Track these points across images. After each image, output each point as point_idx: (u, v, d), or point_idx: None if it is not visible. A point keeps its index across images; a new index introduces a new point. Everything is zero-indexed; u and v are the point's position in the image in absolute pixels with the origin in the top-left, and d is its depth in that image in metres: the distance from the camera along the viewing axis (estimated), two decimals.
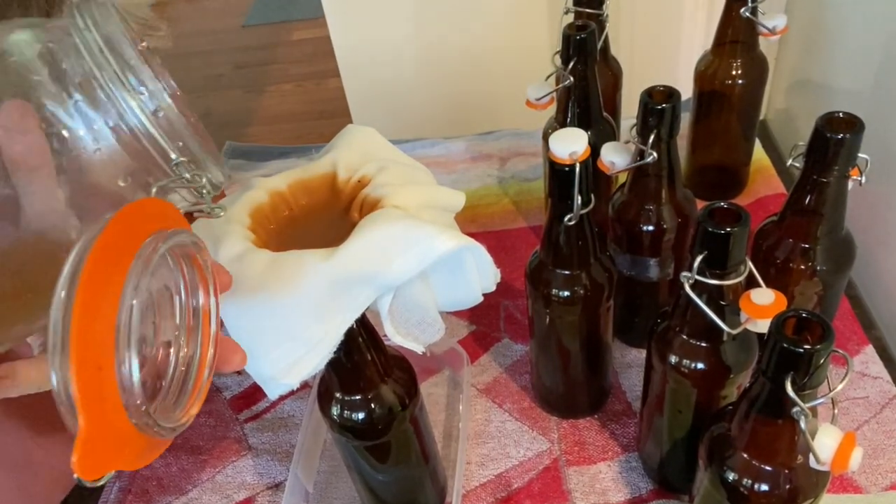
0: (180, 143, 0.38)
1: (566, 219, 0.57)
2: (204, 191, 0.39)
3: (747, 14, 0.79)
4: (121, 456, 0.32)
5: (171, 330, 0.38)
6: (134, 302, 0.32)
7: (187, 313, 0.39)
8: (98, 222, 0.32)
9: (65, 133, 0.36)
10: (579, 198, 0.56)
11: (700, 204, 0.59)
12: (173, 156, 0.38)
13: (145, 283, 0.33)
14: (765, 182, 0.97)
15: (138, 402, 0.32)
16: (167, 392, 0.38)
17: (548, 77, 0.79)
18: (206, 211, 0.40)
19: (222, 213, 0.40)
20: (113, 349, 0.31)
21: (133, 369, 0.32)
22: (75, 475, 0.30)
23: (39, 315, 0.36)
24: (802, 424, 0.44)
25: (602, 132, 0.79)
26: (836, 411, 0.46)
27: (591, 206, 0.57)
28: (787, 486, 0.49)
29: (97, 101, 0.36)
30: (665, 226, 0.68)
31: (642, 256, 0.71)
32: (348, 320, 0.47)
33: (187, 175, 0.38)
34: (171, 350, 0.38)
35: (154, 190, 0.37)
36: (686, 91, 0.74)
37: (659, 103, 0.61)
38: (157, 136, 0.37)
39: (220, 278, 0.41)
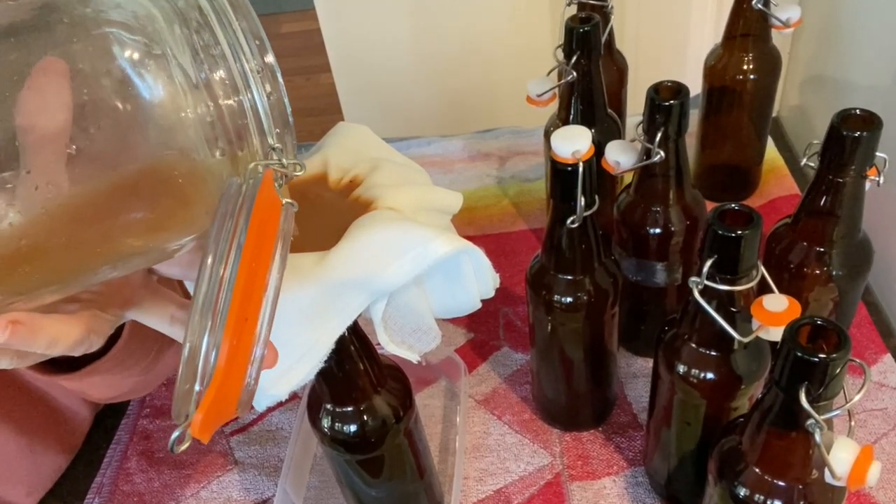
0: (277, 131, 0.38)
1: (569, 221, 0.57)
2: (284, 179, 0.39)
3: (759, 5, 0.79)
4: (222, 417, 0.33)
5: None
6: (278, 257, 0.34)
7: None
8: (239, 183, 0.34)
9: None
10: (583, 199, 0.56)
11: (710, 205, 0.59)
12: (271, 140, 0.38)
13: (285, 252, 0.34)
14: (778, 182, 0.97)
15: (263, 354, 0.34)
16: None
17: (549, 72, 0.79)
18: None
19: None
20: (253, 326, 0.32)
21: (261, 353, 0.33)
22: (188, 434, 0.31)
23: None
24: (817, 437, 0.44)
25: (606, 130, 0.80)
26: (852, 423, 0.46)
27: (595, 207, 0.57)
28: (802, 503, 0.49)
29: (221, 64, 0.36)
30: (673, 228, 0.68)
31: (649, 260, 0.71)
32: (340, 328, 0.47)
33: (284, 161, 0.38)
34: None
35: (251, 167, 0.37)
36: (695, 87, 0.74)
37: (666, 99, 0.61)
38: (263, 114, 0.37)
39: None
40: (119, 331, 0.57)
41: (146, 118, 0.34)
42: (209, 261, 0.32)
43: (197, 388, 0.31)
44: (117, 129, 0.34)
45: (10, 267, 0.33)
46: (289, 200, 0.37)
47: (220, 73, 0.35)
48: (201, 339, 0.31)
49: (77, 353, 0.39)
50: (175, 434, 0.31)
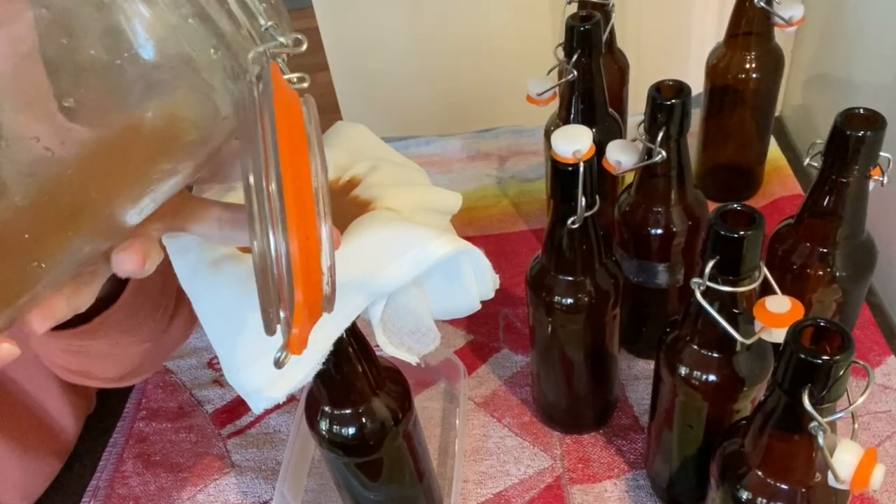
0: (265, 5, 0.38)
1: (569, 221, 0.57)
2: (282, 58, 0.39)
3: (762, 4, 0.79)
4: (313, 319, 0.34)
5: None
6: (320, 167, 0.33)
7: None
8: (249, 91, 0.34)
9: None
10: (583, 199, 0.56)
11: (712, 206, 0.59)
12: (262, 21, 0.38)
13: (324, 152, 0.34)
14: (780, 182, 0.97)
15: (331, 265, 0.34)
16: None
17: (550, 71, 0.79)
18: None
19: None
20: (314, 217, 0.32)
21: (329, 234, 0.34)
22: (282, 353, 0.32)
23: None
24: (820, 440, 0.44)
25: (607, 129, 0.80)
26: (856, 426, 0.46)
27: (596, 208, 0.57)
28: None
29: None
30: (674, 229, 0.68)
31: (650, 262, 0.71)
32: (338, 329, 0.47)
33: (283, 40, 0.38)
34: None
35: (251, 56, 0.37)
36: (697, 86, 0.74)
37: (668, 99, 0.61)
38: None
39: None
40: (123, 285, 0.58)
41: (132, 41, 0.33)
42: (250, 177, 0.32)
43: (285, 293, 0.31)
44: (106, 67, 0.33)
45: (54, 232, 0.33)
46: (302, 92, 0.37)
47: None
48: (268, 244, 0.31)
49: (128, 276, 0.39)
50: (277, 355, 0.32)
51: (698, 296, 0.51)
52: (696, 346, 0.56)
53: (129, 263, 0.38)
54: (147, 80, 0.33)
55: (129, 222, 0.36)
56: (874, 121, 0.57)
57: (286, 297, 0.32)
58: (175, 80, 0.34)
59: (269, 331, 0.32)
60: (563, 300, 0.63)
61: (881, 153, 0.58)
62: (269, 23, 0.37)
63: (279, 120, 0.32)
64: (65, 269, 0.36)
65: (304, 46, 0.38)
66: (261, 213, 0.31)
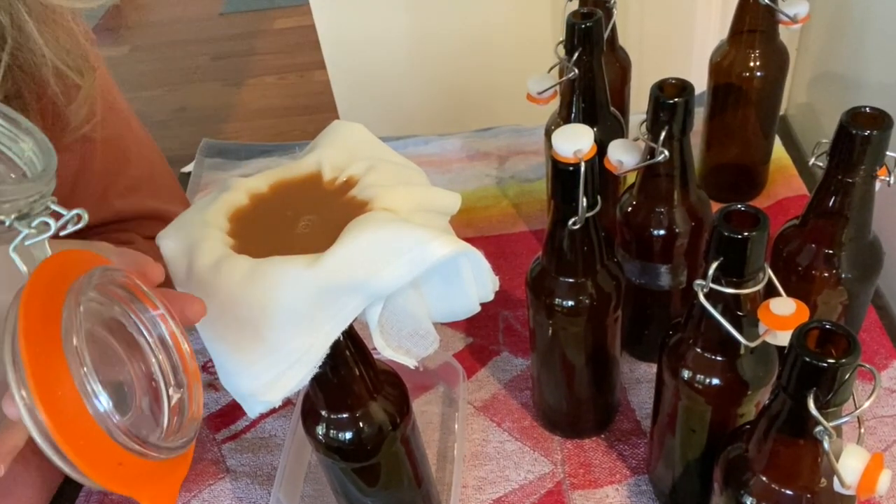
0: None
1: (570, 222, 0.57)
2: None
3: (766, 0, 0.79)
4: (153, 481, 0.38)
5: (149, 360, 0.43)
6: (75, 343, 0.35)
7: (155, 342, 0.43)
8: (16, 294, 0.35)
9: None
10: (584, 200, 0.56)
11: (715, 206, 0.59)
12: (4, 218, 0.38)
13: (80, 321, 0.36)
14: (785, 182, 0.97)
15: (116, 428, 0.36)
16: (175, 416, 0.43)
17: (550, 69, 0.79)
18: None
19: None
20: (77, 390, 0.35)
21: (101, 402, 0.35)
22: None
23: None
24: (826, 445, 0.44)
25: (609, 129, 0.80)
26: (862, 430, 0.46)
27: (598, 208, 0.57)
28: None
29: None
30: (677, 230, 0.68)
31: (653, 263, 0.71)
32: (335, 332, 0.47)
33: (26, 229, 0.39)
34: (156, 378, 0.43)
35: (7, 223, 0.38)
36: (700, 84, 0.74)
37: (671, 97, 0.61)
38: None
39: (192, 307, 0.45)
40: None
41: None
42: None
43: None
44: None
45: None
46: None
47: None
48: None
49: None
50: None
51: (701, 298, 0.51)
52: (699, 349, 0.56)
53: None
54: None
55: None
56: (881, 120, 0.57)
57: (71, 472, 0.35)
58: None
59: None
60: (564, 302, 0.63)
61: (888, 153, 0.58)
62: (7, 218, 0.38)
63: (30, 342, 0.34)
64: None
65: (78, 226, 0.40)
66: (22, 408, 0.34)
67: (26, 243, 0.38)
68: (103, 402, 0.35)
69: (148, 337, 0.43)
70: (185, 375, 0.44)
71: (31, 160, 0.40)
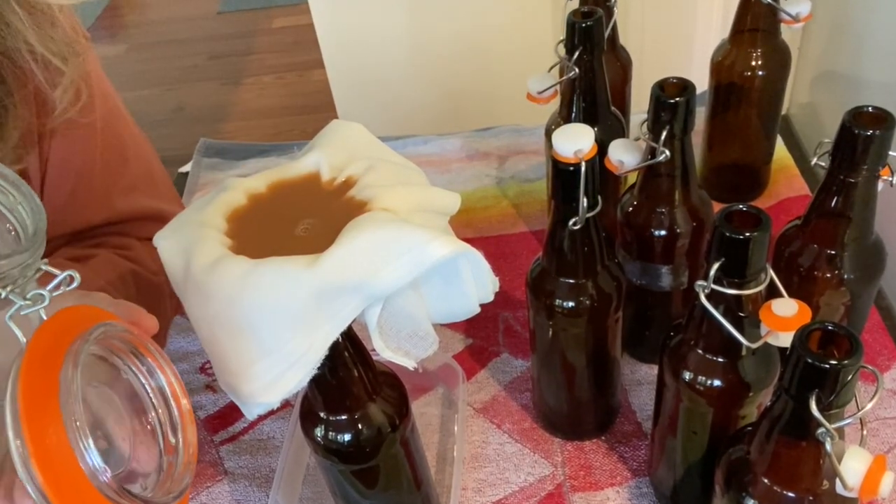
0: None
1: (571, 223, 0.57)
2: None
3: None
4: None
5: (148, 408, 0.45)
6: (72, 399, 0.37)
7: (155, 394, 0.46)
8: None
9: None
10: (585, 200, 0.56)
11: (717, 206, 0.59)
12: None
13: (77, 383, 0.38)
14: (787, 182, 0.97)
15: (107, 483, 0.38)
16: (173, 467, 0.45)
17: (551, 68, 0.79)
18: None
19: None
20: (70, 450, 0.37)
21: (94, 459, 0.37)
22: None
23: None
24: (828, 447, 0.44)
25: (610, 128, 0.80)
26: (864, 432, 0.46)
27: (598, 208, 0.57)
28: None
29: None
30: (678, 230, 0.68)
31: (654, 264, 0.71)
32: (333, 333, 0.47)
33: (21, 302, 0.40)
34: (158, 431, 0.45)
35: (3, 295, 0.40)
36: (701, 83, 0.74)
37: (672, 97, 0.61)
38: None
39: (147, 322, 0.48)
40: None
41: None
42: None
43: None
44: None
45: None
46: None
47: None
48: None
49: None
50: None
51: (703, 299, 0.51)
52: (700, 351, 0.56)
53: None
54: None
55: None
56: (883, 119, 0.57)
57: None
58: None
59: None
60: (565, 303, 0.63)
61: (891, 152, 0.58)
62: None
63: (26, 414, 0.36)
64: None
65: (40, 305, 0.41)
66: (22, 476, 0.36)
67: (22, 313, 0.39)
68: (95, 459, 0.37)
69: (146, 385, 0.45)
70: (181, 421, 0.46)
71: (23, 220, 0.41)
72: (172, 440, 0.45)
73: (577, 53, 0.74)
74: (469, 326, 0.87)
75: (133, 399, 0.45)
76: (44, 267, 0.40)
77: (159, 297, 0.76)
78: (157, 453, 0.45)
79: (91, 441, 0.37)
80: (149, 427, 0.45)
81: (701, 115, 0.88)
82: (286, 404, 0.80)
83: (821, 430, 0.44)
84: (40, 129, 0.67)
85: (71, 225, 0.73)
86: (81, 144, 0.71)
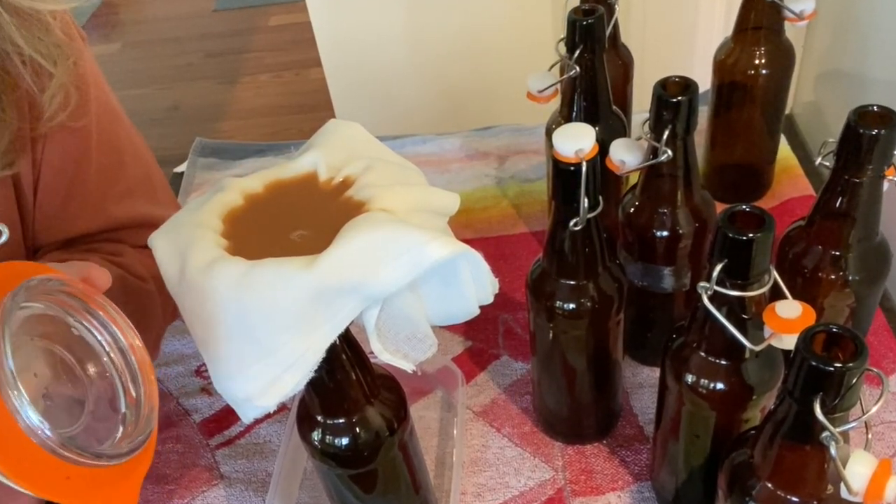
0: None
1: (572, 223, 0.57)
2: None
3: None
4: (110, 486, 0.40)
5: (103, 361, 0.45)
6: (7, 354, 0.37)
7: (111, 347, 0.46)
8: None
9: None
10: (586, 200, 0.56)
11: (719, 207, 0.59)
12: None
13: (6, 340, 0.38)
14: (791, 183, 0.97)
15: (49, 439, 0.38)
16: (130, 415, 0.45)
17: (551, 67, 0.79)
18: None
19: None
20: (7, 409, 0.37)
21: (28, 413, 0.37)
22: None
23: None
24: (833, 451, 0.44)
25: (611, 128, 0.80)
26: (869, 436, 0.46)
27: (600, 209, 0.57)
28: None
29: None
30: (681, 231, 0.68)
31: (655, 265, 0.71)
32: (331, 335, 0.47)
33: None
34: (118, 383, 0.45)
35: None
36: (704, 82, 0.74)
37: (674, 96, 0.61)
38: None
39: (100, 277, 0.48)
40: None
41: None
42: None
43: None
44: None
45: None
46: None
47: None
48: None
49: None
50: None
51: (706, 300, 0.51)
52: (703, 353, 0.56)
53: None
54: None
55: None
56: (889, 118, 0.57)
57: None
58: None
59: None
60: (565, 305, 0.63)
61: None
62: None
63: None
64: None
65: None
66: None
67: None
68: (32, 417, 0.37)
69: (100, 338, 0.45)
70: (140, 371, 0.46)
71: None
72: (134, 393, 0.45)
73: (577, 52, 0.74)
74: (468, 328, 0.87)
75: (90, 355, 0.45)
76: None
77: (149, 304, 0.76)
78: (118, 406, 0.45)
79: (25, 397, 0.37)
80: (109, 383, 0.45)
81: (703, 114, 0.88)
82: (283, 407, 0.80)
83: (825, 433, 0.44)
84: (32, 133, 0.67)
85: (65, 231, 0.73)
86: (75, 148, 0.71)
